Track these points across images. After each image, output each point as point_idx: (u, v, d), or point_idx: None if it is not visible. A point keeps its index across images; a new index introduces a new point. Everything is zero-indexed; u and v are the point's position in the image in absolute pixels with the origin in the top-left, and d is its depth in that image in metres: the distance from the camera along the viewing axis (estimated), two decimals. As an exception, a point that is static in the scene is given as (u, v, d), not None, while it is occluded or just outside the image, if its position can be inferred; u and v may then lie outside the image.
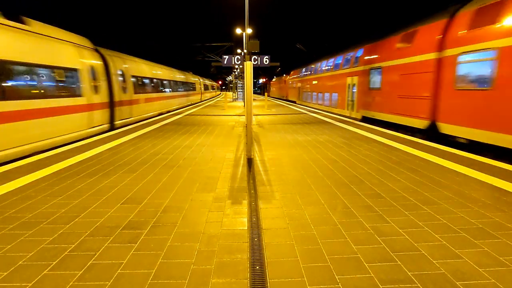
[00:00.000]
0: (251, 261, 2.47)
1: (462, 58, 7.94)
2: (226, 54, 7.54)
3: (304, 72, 27.58)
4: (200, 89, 35.81)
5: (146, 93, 15.46)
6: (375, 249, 2.64)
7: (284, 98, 39.21)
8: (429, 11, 10.74)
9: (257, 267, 2.38)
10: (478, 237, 2.84)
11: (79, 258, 2.50)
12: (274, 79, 56.63)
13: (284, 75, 41.84)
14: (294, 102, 31.32)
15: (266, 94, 25.84)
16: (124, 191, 4.11)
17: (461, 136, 7.93)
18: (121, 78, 12.55)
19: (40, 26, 8.03)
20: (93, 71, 10.37)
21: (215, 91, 58.55)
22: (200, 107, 21.98)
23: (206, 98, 41.26)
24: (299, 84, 29.96)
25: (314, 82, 23.45)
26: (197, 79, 34.06)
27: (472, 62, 7.62)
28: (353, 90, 15.23)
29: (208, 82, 47.57)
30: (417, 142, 7.60)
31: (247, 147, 6.09)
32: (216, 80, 77.62)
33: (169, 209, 3.51)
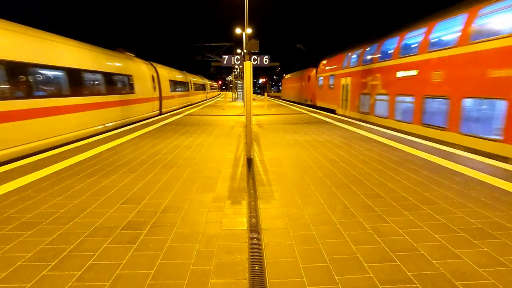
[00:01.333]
0: (251, 261, 2.47)
1: None
2: (225, 54, 7.54)
3: (367, 55, 14.10)
4: (155, 88, 17.18)
5: None
6: (375, 249, 2.64)
7: (309, 103, 25.63)
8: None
9: (257, 268, 2.38)
10: (478, 237, 2.84)
11: (78, 259, 2.50)
12: (287, 76, 39.46)
13: (308, 68, 27.18)
14: (332, 111, 18.14)
15: (265, 94, 25.83)
16: (124, 191, 4.11)
17: None
18: None
19: None
20: None
21: (205, 92, 39.71)
22: (200, 107, 21.95)
23: (181, 106, 23.02)
24: (347, 81, 16.41)
25: (410, 73, 10.53)
26: (140, 68, 15.53)
27: None
28: None
29: (183, 77, 25.99)
30: (417, 142, 7.60)
31: (246, 147, 6.09)
32: (216, 80, 73.33)
33: (168, 209, 3.51)
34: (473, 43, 8.01)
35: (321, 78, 22.09)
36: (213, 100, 36.28)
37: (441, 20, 9.51)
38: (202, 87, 37.59)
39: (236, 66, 32.90)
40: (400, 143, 7.39)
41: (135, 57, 15.96)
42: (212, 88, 52.57)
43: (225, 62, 7.46)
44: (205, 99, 37.96)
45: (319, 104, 22.61)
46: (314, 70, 24.70)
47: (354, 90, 15.57)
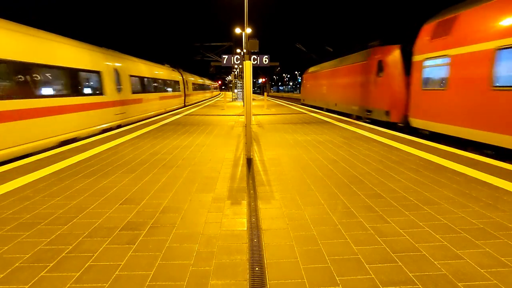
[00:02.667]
0: (251, 262, 2.45)
1: None
2: (225, 54, 7.52)
3: None
4: None
5: None
6: (376, 250, 2.62)
7: (377, 118, 12.22)
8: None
9: (257, 268, 2.36)
10: (479, 237, 2.82)
11: (77, 260, 2.48)
12: (319, 67, 22.31)
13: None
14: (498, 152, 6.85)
15: (265, 94, 25.81)
16: (123, 191, 4.09)
17: None
18: None
19: None
20: None
21: (181, 95, 24.00)
22: (200, 107, 21.92)
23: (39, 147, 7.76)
24: None
25: None
26: None
27: None
28: None
29: (79, 57, 9.61)
30: (417, 141, 7.58)
31: (246, 147, 6.07)
32: (215, 80, 71.95)
33: (168, 209, 3.49)
34: None
35: (445, 60, 8.42)
36: (212, 100, 35.29)
37: None
38: (172, 86, 20.87)
39: (236, 66, 32.13)
40: (400, 143, 7.37)
41: None
42: (200, 88, 34.11)
43: (224, 62, 7.45)
44: (181, 106, 22.90)
45: (426, 126, 9.20)
46: (396, 51, 11.26)
47: None
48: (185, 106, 24.90)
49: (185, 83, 25.57)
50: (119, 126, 12.06)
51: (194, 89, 30.93)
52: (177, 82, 22.84)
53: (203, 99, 36.10)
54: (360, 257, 2.51)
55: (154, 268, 2.37)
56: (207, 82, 43.37)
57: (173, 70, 22.88)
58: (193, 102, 29.22)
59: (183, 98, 24.76)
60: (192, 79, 29.99)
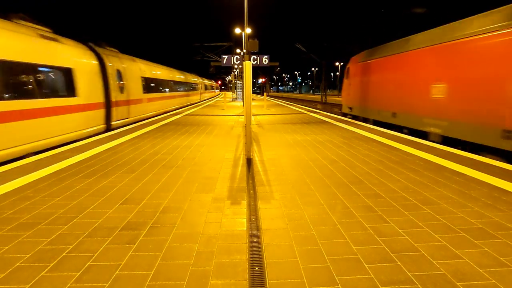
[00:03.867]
0: (250, 262, 2.45)
1: None
2: (225, 54, 7.53)
3: None
4: None
5: None
6: (375, 250, 2.63)
7: None
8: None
9: (256, 268, 2.36)
10: (478, 237, 2.83)
11: (77, 260, 2.49)
12: (377, 53, 11.85)
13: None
14: None
15: (265, 94, 25.80)
16: (123, 191, 4.09)
17: None
18: None
19: None
20: None
21: (63, 110, 7.92)
22: (200, 107, 21.90)
23: None
24: None
25: None
26: None
27: None
28: None
29: None
30: (417, 142, 7.60)
31: (246, 147, 6.08)
32: (215, 80, 71.50)
33: (168, 209, 3.50)
34: None
35: None
36: (212, 100, 35.26)
37: None
38: (33, 86, 7.08)
39: (236, 66, 32.08)
40: (400, 143, 7.38)
41: None
42: (169, 88, 20.31)
43: (224, 62, 7.46)
44: (98, 130, 10.15)
45: None
46: None
47: None
48: (109, 129, 11.20)
49: (112, 76, 11.62)
50: None
51: (151, 89, 16.35)
52: (66, 72, 8.86)
53: (177, 106, 21.52)
54: (360, 257, 2.52)
55: (154, 268, 2.38)
56: (180, 76, 24.53)
57: (60, 42, 8.88)
58: (149, 113, 15.64)
59: (102, 111, 10.79)
60: (129, 65, 13.72)
